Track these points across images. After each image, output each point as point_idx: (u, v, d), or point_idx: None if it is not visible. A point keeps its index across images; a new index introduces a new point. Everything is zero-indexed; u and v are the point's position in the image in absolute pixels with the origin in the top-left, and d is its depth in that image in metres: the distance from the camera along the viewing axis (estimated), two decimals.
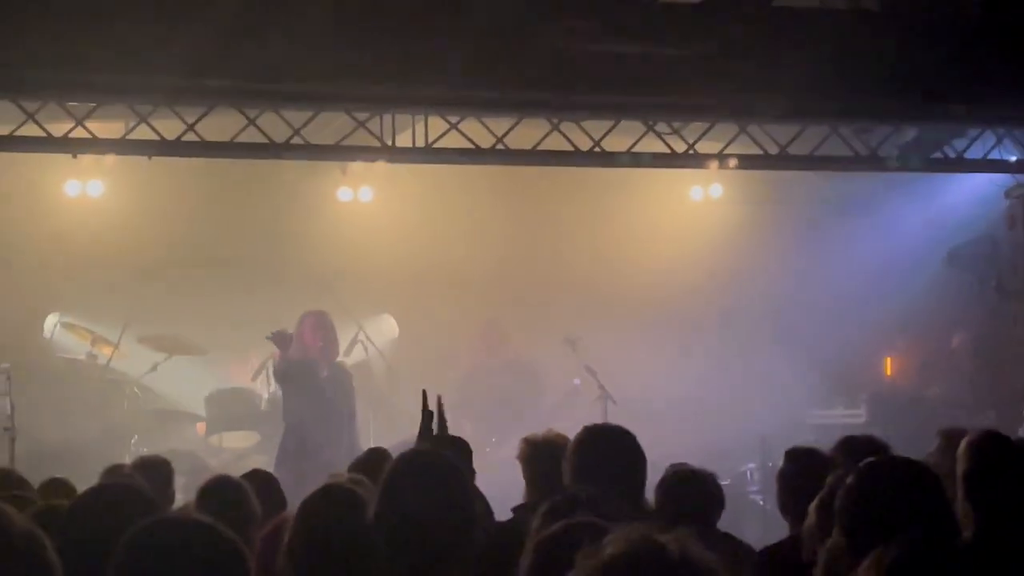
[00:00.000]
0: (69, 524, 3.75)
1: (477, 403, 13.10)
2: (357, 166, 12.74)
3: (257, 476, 7.41)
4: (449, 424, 6.43)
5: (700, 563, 2.60)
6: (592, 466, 5.72)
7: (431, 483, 4.46)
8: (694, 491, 6.11)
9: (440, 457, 4.71)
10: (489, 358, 13.96)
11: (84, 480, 7.80)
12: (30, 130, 10.24)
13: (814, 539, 5.05)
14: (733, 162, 11.64)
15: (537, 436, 6.68)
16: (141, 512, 3.59)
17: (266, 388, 13.39)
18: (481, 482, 5.52)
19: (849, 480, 4.58)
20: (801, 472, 6.20)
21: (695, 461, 7.34)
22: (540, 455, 6.52)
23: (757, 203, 14.00)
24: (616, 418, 11.77)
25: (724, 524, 6.40)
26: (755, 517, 11.64)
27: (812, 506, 5.16)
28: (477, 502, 4.78)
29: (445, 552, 4.39)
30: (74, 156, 10.59)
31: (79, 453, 12.57)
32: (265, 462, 12.81)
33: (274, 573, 4.59)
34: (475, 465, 5.98)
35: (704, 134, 11.37)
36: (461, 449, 6.98)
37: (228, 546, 3.02)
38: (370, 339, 13.85)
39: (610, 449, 5.82)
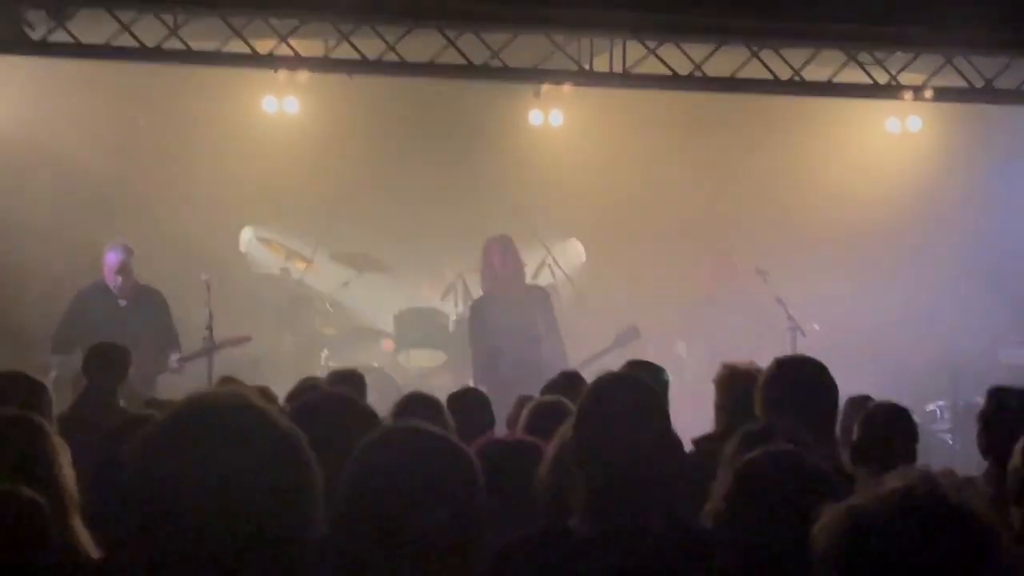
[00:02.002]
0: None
1: (699, 330, 12.99)
2: (549, 90, 12.74)
3: (466, 394, 7.46)
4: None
5: (980, 515, 2.59)
6: (784, 398, 5.67)
7: (627, 408, 4.45)
8: (901, 428, 6.02)
9: (638, 381, 4.69)
10: (716, 290, 13.70)
11: (279, 391, 8.03)
12: (236, 46, 10.44)
13: (1020, 480, 4.95)
14: (929, 93, 11.37)
15: (738, 363, 6.64)
16: (363, 423, 3.67)
17: (454, 308, 13.52)
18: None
19: None
20: (1004, 411, 6.08)
21: (883, 396, 7.29)
22: (736, 383, 6.50)
23: (959, 137, 13.66)
24: (804, 350, 11.78)
25: None
26: (943, 457, 11.46)
27: (1018, 447, 5.06)
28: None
29: (637, 476, 4.39)
30: (275, 71, 10.73)
31: (272, 365, 12.91)
32: (451, 381, 13.01)
33: None
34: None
35: (907, 65, 11.12)
36: (658, 375, 7.03)
37: (465, 458, 3.07)
38: (557, 263, 13.89)
39: (803, 381, 5.76)
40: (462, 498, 3.03)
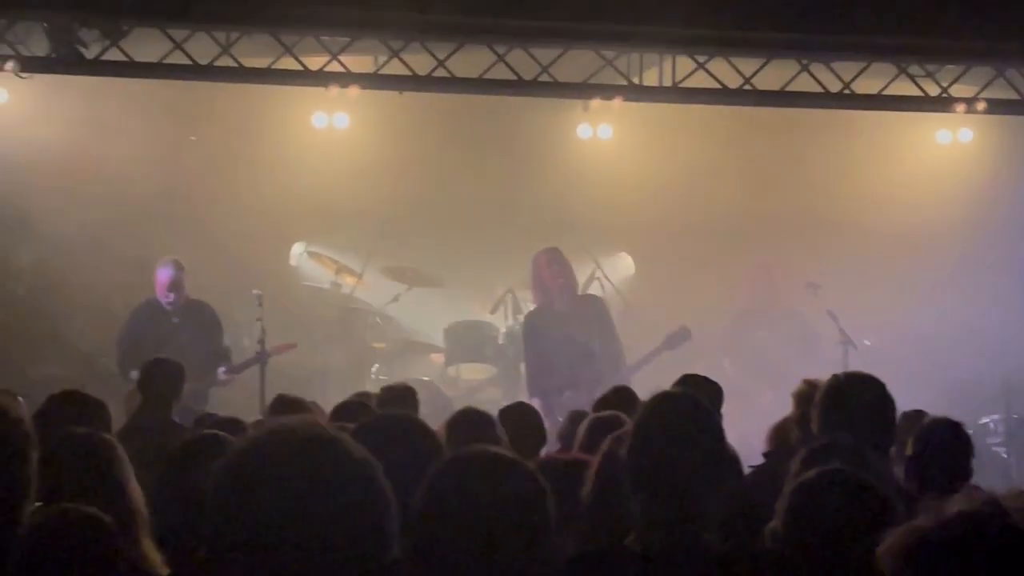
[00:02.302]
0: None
1: (744, 345, 12.90)
2: (598, 104, 12.75)
3: (519, 409, 7.47)
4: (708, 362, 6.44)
5: None
6: (842, 414, 5.67)
7: (682, 428, 4.46)
8: (955, 444, 6.00)
9: (693, 400, 4.70)
10: (758, 304, 13.53)
11: (328, 406, 8.07)
12: (287, 63, 10.51)
13: None
14: (982, 105, 11.31)
15: (817, 380, 6.65)
16: (426, 445, 3.69)
17: (504, 322, 13.54)
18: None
19: None
20: None
21: (936, 410, 7.26)
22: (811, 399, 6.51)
23: (1010, 148, 13.57)
24: (856, 363, 11.72)
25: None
26: (996, 471, 11.40)
27: None
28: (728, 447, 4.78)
29: (693, 495, 4.40)
30: (326, 88, 10.80)
31: (322, 379, 12.97)
32: (500, 395, 13.03)
33: None
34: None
35: (959, 77, 11.08)
36: (712, 391, 7.03)
37: (534, 482, 3.09)
38: (607, 276, 13.89)
39: (862, 397, 5.75)
40: (536, 525, 3.04)
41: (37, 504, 3.55)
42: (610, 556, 4.21)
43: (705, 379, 7.23)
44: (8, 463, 3.03)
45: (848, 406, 5.70)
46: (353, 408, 7.12)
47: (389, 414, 4.50)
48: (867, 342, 12.18)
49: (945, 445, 5.88)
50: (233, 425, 6.50)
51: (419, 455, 3.33)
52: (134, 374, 10.63)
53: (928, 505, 2.77)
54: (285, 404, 7.25)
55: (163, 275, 11.52)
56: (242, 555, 2.33)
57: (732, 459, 5.24)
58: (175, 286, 11.49)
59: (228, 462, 2.42)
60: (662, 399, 4.68)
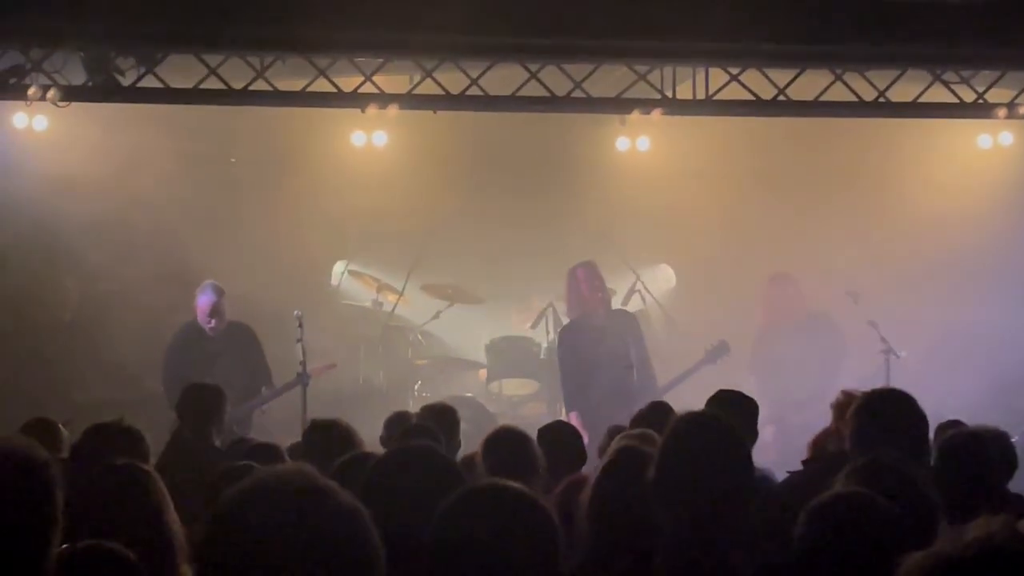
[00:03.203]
0: (372, 487, 3.88)
1: (769, 361, 12.80)
2: (635, 116, 12.74)
3: (557, 427, 7.48)
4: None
5: None
6: (874, 430, 5.67)
7: (708, 450, 4.48)
8: (980, 458, 5.96)
9: (719, 423, 4.71)
10: (781, 317, 13.17)
11: (371, 423, 8.12)
12: (321, 85, 10.57)
13: None
14: (1023, 110, 11.25)
15: (855, 391, 6.68)
16: (445, 479, 3.71)
17: (545, 336, 13.56)
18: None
19: None
20: None
21: (982, 418, 7.23)
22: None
23: None
24: (898, 371, 11.67)
25: (1014, 485, 6.29)
26: None
27: None
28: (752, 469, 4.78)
29: (719, 517, 4.42)
30: (362, 110, 10.86)
31: (365, 397, 13.04)
32: (543, 410, 13.06)
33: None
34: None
35: (994, 83, 11.02)
36: (747, 408, 7.03)
37: (544, 516, 3.10)
38: (647, 289, 13.89)
39: (893, 414, 5.75)
40: (543, 562, 3.06)
41: (64, 545, 3.61)
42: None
43: (741, 395, 7.23)
44: (34, 505, 3.08)
45: (881, 422, 5.69)
46: (391, 427, 7.16)
47: (408, 447, 4.52)
48: (903, 353, 12.06)
49: (967, 460, 5.85)
50: (269, 451, 6.55)
51: (439, 487, 3.35)
52: None
53: (949, 530, 2.78)
54: (319, 429, 7.30)
55: (204, 301, 11.59)
56: None
57: (760, 479, 5.23)
58: (216, 312, 11.56)
59: (218, 512, 2.47)
60: (689, 422, 4.70)
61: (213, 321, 11.55)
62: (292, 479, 2.51)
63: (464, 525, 3.06)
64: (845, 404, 6.59)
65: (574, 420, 10.98)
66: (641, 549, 4.19)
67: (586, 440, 8.42)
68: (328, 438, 6.99)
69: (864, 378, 10.87)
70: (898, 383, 11.01)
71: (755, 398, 7.25)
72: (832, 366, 12.23)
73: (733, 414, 6.23)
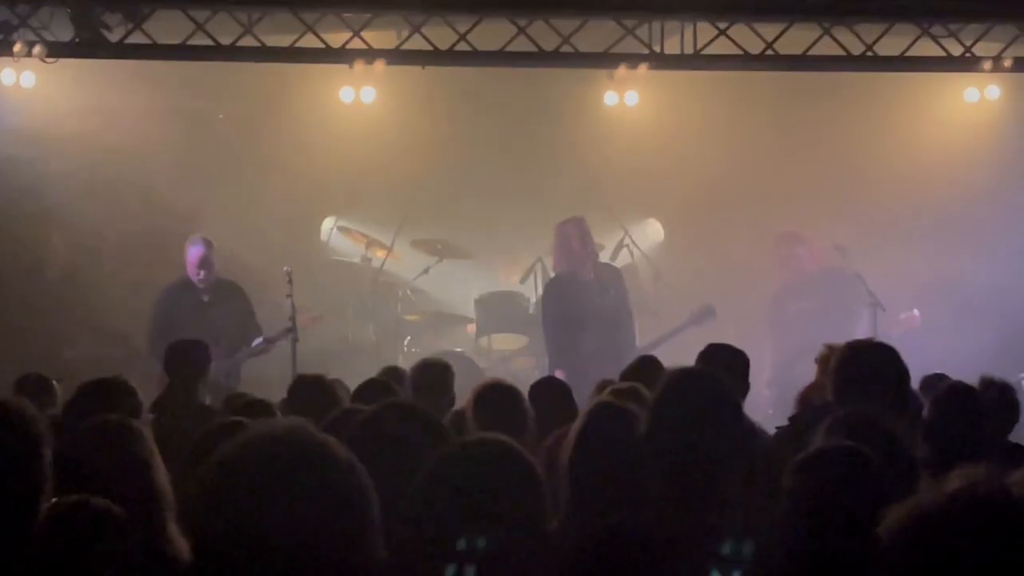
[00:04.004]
0: (362, 441, 3.91)
1: (783, 321, 12.84)
2: (623, 71, 12.71)
3: (548, 383, 7.49)
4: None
5: None
6: (855, 384, 5.70)
7: (700, 406, 4.49)
8: (973, 409, 6.01)
9: (711, 377, 4.73)
10: (792, 275, 13.23)
11: (360, 379, 8.13)
12: (309, 41, 10.54)
13: None
14: (1008, 63, 11.25)
15: (838, 344, 6.73)
16: (426, 437, 3.73)
17: (534, 291, 13.57)
18: None
19: None
20: None
21: (966, 371, 7.27)
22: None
23: None
24: (886, 325, 11.73)
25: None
26: None
27: None
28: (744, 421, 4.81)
29: (715, 471, 4.44)
30: (350, 66, 10.82)
31: (355, 352, 13.06)
32: (533, 364, 13.09)
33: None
34: None
35: (981, 37, 11.02)
36: (737, 361, 7.08)
37: (528, 469, 3.14)
38: (636, 243, 13.90)
39: (873, 366, 5.78)
40: (525, 515, 3.09)
41: (54, 499, 3.64)
42: (624, 532, 4.25)
43: (730, 348, 7.27)
44: (22, 462, 3.11)
45: (861, 375, 5.72)
46: (376, 389, 7.17)
47: (393, 403, 4.54)
48: (916, 312, 12.12)
49: (958, 412, 5.89)
50: (260, 408, 6.57)
51: (422, 446, 3.37)
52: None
53: (928, 483, 2.81)
54: (306, 383, 7.32)
55: (193, 253, 11.59)
56: (228, 557, 2.39)
57: (751, 434, 5.27)
58: (205, 263, 11.55)
59: (214, 466, 2.49)
60: (680, 378, 4.71)
61: (202, 272, 11.53)
62: (288, 433, 2.53)
63: (451, 478, 3.09)
64: (827, 358, 6.65)
65: (562, 376, 11.00)
66: (621, 505, 4.21)
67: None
68: (312, 393, 7.02)
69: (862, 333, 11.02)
70: (901, 337, 11.12)
71: (772, 357, 7.33)
72: (847, 318, 12.30)
73: (724, 367, 6.30)
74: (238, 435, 2.53)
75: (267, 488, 2.44)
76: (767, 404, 11.32)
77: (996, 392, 6.62)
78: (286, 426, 2.53)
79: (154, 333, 11.39)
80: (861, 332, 12.10)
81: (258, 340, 11.58)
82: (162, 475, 4.65)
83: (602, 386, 7.65)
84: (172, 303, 11.55)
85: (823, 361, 6.81)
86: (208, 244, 11.62)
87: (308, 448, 2.49)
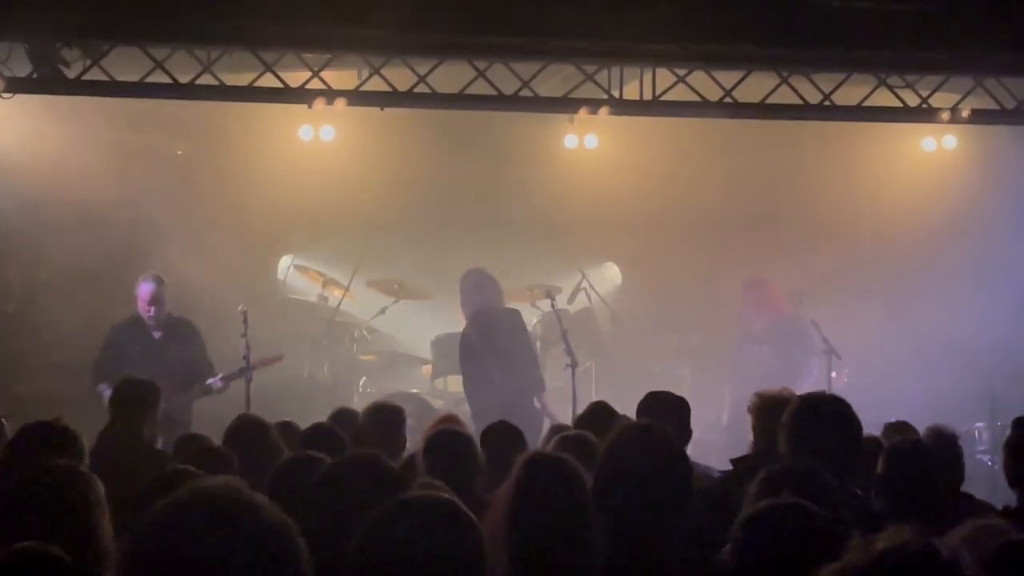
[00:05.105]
0: (312, 497, 3.88)
1: (746, 365, 12.91)
2: (583, 114, 12.74)
3: (503, 429, 7.45)
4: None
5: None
6: (808, 436, 5.71)
7: (647, 461, 4.51)
8: (925, 465, 6.01)
9: (657, 432, 4.75)
10: (752, 323, 13.44)
11: (314, 419, 8.09)
12: (268, 81, 10.52)
13: None
14: (966, 113, 11.34)
15: (769, 392, 6.81)
16: (382, 487, 3.70)
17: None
18: None
19: None
20: None
21: (920, 419, 7.32)
22: (768, 411, 6.63)
23: (995, 155, 13.57)
24: (841, 373, 11.78)
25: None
26: (983, 479, 11.41)
27: None
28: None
29: (657, 521, 4.45)
30: (309, 106, 10.81)
31: (309, 392, 13.00)
32: None
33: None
34: None
35: (938, 88, 11.11)
36: (678, 408, 7.13)
37: (471, 530, 3.11)
38: (593, 287, 13.92)
39: (826, 420, 5.79)
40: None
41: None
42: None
43: (670, 396, 7.32)
44: None
45: (812, 428, 5.74)
46: (322, 436, 7.13)
47: (354, 456, 4.51)
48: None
49: (910, 467, 5.90)
50: (211, 456, 6.50)
51: (377, 499, 3.34)
52: (103, 389, 10.67)
53: (857, 542, 2.83)
54: (246, 424, 7.31)
55: (144, 289, 11.51)
56: None
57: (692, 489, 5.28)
58: (155, 300, 11.47)
59: (143, 528, 2.46)
60: (627, 433, 4.74)
61: (152, 309, 11.46)
62: (219, 495, 2.50)
63: (387, 541, 3.07)
64: (758, 407, 6.79)
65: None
66: (563, 562, 4.20)
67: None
68: (248, 437, 7.01)
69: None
70: (846, 385, 11.18)
71: (730, 399, 7.41)
72: (800, 365, 12.41)
73: (665, 416, 6.33)
74: (171, 496, 2.50)
75: (196, 553, 2.41)
76: (725, 447, 11.36)
77: (942, 444, 6.66)
78: (215, 486, 2.51)
79: (100, 369, 11.29)
80: (813, 380, 12.22)
81: (214, 379, 11.51)
82: (106, 528, 4.60)
83: (555, 431, 7.66)
84: (122, 339, 11.46)
85: (754, 411, 6.85)
86: (159, 281, 11.55)
87: (239, 512, 2.46)
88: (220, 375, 11.50)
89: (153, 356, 11.14)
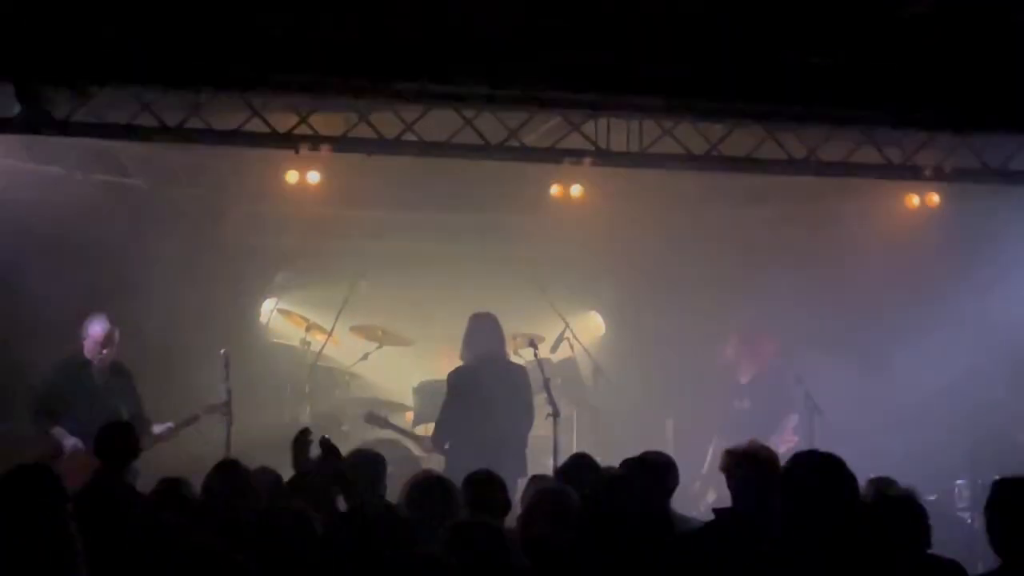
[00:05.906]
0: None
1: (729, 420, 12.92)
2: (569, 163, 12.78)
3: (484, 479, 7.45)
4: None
5: None
6: (802, 495, 5.70)
7: (629, 521, 4.53)
8: (901, 518, 6.01)
9: (634, 483, 4.78)
10: (739, 376, 13.51)
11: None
12: (256, 125, 10.54)
13: None
14: (949, 171, 11.41)
15: (739, 448, 6.83)
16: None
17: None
18: None
19: None
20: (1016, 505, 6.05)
21: (902, 474, 7.31)
22: (741, 466, 6.65)
23: (977, 213, 13.61)
24: (823, 428, 11.77)
25: None
26: (962, 537, 11.38)
27: None
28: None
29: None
30: (296, 151, 10.82)
31: (290, 438, 12.91)
32: None
33: None
34: None
35: (923, 145, 11.17)
36: (665, 468, 7.12)
37: None
38: (576, 337, 13.90)
39: (821, 478, 5.77)
40: None
41: None
42: None
43: (658, 456, 7.33)
44: None
45: (807, 486, 5.71)
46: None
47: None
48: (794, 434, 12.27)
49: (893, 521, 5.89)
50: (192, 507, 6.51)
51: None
52: (58, 430, 10.62)
53: None
54: (226, 469, 7.31)
55: (97, 330, 11.39)
56: None
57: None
58: (109, 341, 11.40)
59: None
60: (610, 485, 4.76)
61: (105, 351, 11.37)
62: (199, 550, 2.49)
63: None
64: (728, 466, 6.78)
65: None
66: None
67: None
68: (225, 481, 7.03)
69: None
70: (825, 440, 11.19)
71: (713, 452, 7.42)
72: (781, 421, 12.44)
73: (646, 472, 6.34)
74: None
75: None
76: (700, 495, 11.38)
77: (899, 504, 6.63)
78: (195, 549, 2.50)
79: (44, 402, 11.18)
80: (787, 435, 12.27)
81: (164, 426, 11.43)
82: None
83: (536, 482, 7.68)
84: (68, 379, 11.32)
85: (725, 469, 6.83)
86: (112, 322, 11.47)
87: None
88: (168, 425, 11.43)
89: (100, 400, 11.06)
